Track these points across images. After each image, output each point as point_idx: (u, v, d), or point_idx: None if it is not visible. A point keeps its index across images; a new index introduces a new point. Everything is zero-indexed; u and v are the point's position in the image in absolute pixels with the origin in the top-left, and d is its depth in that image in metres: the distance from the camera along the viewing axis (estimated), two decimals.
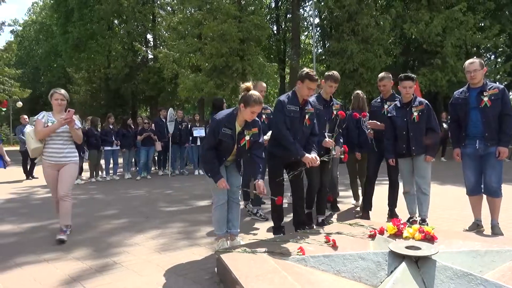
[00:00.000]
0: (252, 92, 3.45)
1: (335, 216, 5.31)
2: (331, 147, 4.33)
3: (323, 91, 4.57)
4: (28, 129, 4.46)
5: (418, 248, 2.79)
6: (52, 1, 30.16)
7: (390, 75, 5.06)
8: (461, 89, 4.42)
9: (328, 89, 4.48)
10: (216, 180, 3.47)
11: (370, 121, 4.94)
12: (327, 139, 4.27)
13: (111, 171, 10.24)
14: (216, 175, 3.48)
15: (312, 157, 3.73)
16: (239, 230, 3.86)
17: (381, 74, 5.11)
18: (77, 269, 3.39)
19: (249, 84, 3.52)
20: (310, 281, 2.64)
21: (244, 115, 3.48)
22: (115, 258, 3.68)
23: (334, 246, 3.20)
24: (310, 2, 21.34)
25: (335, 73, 4.54)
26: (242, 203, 5.25)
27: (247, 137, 3.57)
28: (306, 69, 3.94)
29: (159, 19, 26.39)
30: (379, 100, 5.12)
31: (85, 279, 3.16)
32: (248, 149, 3.63)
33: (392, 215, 4.88)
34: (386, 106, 4.89)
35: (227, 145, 3.52)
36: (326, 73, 4.60)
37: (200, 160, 3.61)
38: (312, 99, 4.31)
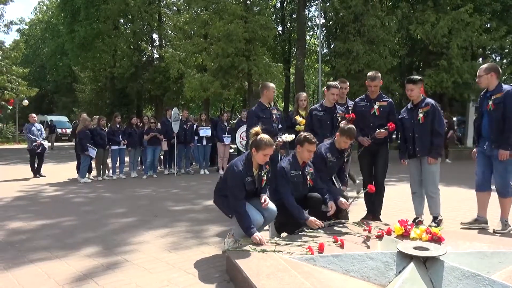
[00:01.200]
0: (262, 136, 3.63)
1: None
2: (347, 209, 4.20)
3: (337, 143, 4.38)
4: None
5: (426, 249, 2.83)
6: (59, 0, 30.31)
7: (380, 74, 4.92)
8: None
9: (342, 144, 4.32)
10: (249, 234, 3.42)
11: (381, 131, 4.65)
12: (343, 200, 4.11)
13: (117, 170, 10.32)
14: (249, 230, 3.42)
15: (315, 220, 3.72)
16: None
17: (373, 73, 4.80)
18: (89, 266, 3.46)
19: (257, 128, 3.71)
20: (319, 280, 2.69)
21: (257, 159, 3.64)
22: (125, 256, 3.74)
23: (342, 246, 3.25)
24: (316, 2, 21.37)
25: (352, 128, 4.28)
26: None
27: (265, 177, 3.74)
28: (303, 133, 4.08)
29: (165, 18, 26.48)
30: (365, 100, 4.89)
31: (97, 276, 3.23)
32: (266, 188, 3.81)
33: (374, 219, 4.66)
34: (376, 107, 4.77)
35: (250, 192, 3.67)
36: (341, 125, 4.37)
37: (231, 209, 3.62)
38: (324, 148, 4.36)
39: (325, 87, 5.15)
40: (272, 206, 3.74)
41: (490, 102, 4.22)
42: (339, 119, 4.89)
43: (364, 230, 3.67)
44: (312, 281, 2.61)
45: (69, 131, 31.51)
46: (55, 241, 4.26)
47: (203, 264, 3.49)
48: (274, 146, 3.72)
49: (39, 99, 40.76)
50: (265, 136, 3.62)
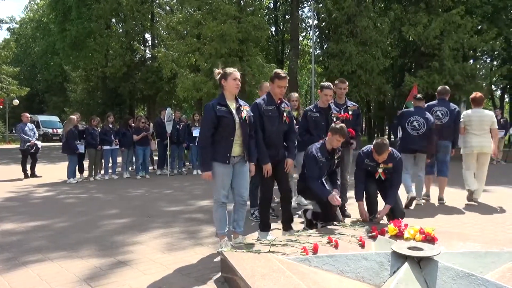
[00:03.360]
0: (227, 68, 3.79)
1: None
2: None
3: (329, 143, 4.35)
4: None
5: (420, 249, 2.85)
6: None
7: (387, 142, 4.37)
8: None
9: (335, 143, 4.31)
10: (204, 169, 3.60)
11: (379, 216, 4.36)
12: (335, 195, 4.11)
13: (110, 170, 10.24)
14: (206, 164, 3.60)
15: (269, 168, 3.93)
16: (243, 229, 3.93)
17: (380, 145, 4.25)
18: (83, 268, 3.43)
19: (219, 69, 3.80)
20: (314, 280, 2.69)
21: (230, 88, 3.70)
22: (119, 257, 3.71)
23: (337, 247, 3.26)
24: (309, 3, 21.43)
25: (344, 127, 4.30)
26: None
27: (245, 112, 3.74)
28: (276, 70, 4.22)
29: (157, 18, 26.37)
30: (371, 158, 4.42)
31: (91, 278, 3.20)
32: (248, 125, 3.77)
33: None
34: (380, 170, 4.39)
35: (228, 121, 3.62)
36: (333, 125, 4.39)
37: (198, 144, 3.82)
38: (315, 148, 4.34)
39: (319, 88, 5.15)
40: (245, 194, 3.81)
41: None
42: (334, 119, 4.90)
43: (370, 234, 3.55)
44: (307, 282, 2.62)
45: (60, 131, 31.25)
46: (47, 243, 4.21)
47: (197, 265, 3.48)
48: (240, 74, 3.78)
49: (29, 99, 40.37)
50: (230, 68, 3.80)
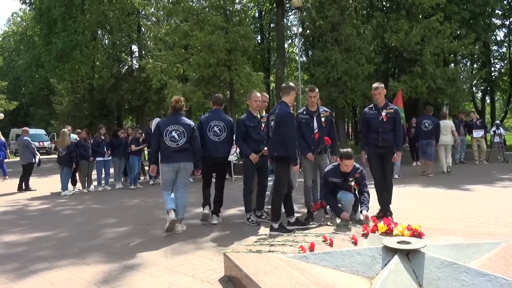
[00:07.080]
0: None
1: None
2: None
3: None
4: None
5: (409, 243, 3.11)
6: (33, 12, 29.85)
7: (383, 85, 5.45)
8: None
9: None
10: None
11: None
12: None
13: (103, 182, 10.32)
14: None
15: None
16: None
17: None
18: (91, 274, 3.59)
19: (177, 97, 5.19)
20: (312, 275, 2.92)
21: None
22: (125, 262, 3.88)
23: (331, 245, 3.49)
24: (294, 12, 21.87)
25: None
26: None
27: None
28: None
29: (144, 30, 26.49)
30: (374, 108, 5.41)
31: (101, 282, 3.37)
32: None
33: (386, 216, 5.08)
34: (384, 113, 5.30)
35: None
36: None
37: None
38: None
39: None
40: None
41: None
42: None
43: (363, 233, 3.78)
44: (307, 276, 2.84)
45: (46, 144, 30.96)
46: (53, 252, 4.35)
47: (201, 267, 3.67)
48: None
49: (14, 112, 39.91)
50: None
